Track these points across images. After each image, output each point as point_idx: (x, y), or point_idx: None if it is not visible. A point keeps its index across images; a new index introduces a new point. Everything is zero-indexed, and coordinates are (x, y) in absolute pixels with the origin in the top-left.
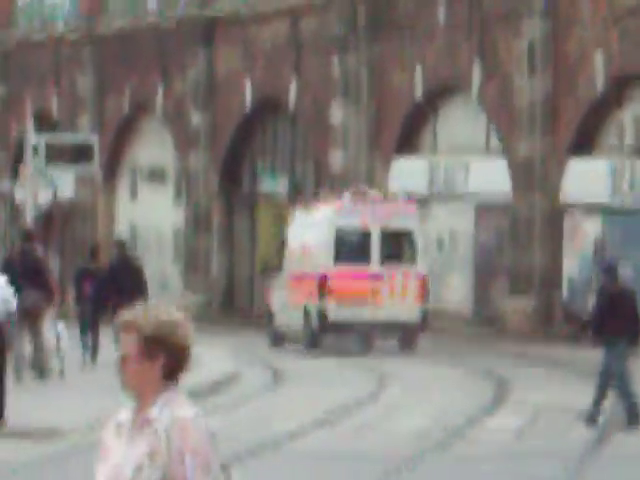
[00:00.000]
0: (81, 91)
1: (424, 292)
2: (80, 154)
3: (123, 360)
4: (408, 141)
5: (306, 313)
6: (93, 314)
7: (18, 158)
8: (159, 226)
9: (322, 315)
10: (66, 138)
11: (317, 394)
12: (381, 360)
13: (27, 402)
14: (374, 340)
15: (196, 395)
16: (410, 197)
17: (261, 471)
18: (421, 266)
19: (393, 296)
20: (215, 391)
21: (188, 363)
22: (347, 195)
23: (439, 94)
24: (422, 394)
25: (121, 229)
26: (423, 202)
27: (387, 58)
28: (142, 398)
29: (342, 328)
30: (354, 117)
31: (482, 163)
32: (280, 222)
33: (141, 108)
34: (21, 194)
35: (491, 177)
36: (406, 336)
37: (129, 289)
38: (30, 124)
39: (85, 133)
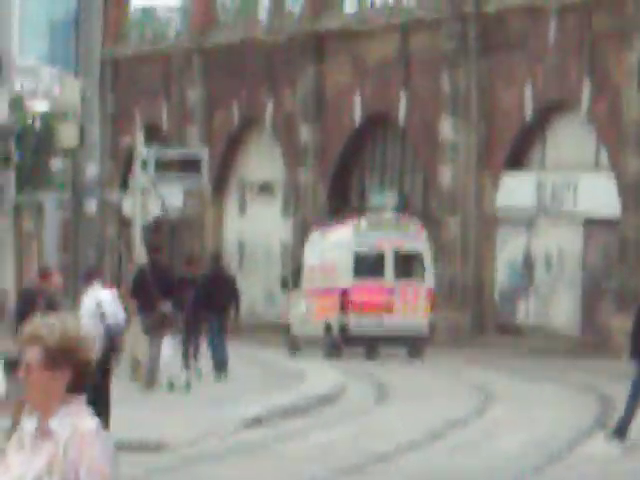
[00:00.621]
0: (190, 104)
1: (432, 306)
2: (189, 167)
3: (26, 370)
4: (517, 158)
5: (327, 325)
6: (192, 324)
7: (127, 170)
8: (267, 240)
9: (343, 327)
10: (175, 151)
11: (421, 410)
12: (486, 377)
13: (148, 414)
14: (380, 349)
15: (300, 410)
16: (419, 224)
17: None
18: (429, 282)
19: (405, 309)
20: (320, 406)
21: (91, 377)
22: (364, 220)
23: (548, 112)
24: (526, 412)
25: (229, 243)
26: (531, 219)
27: (497, 75)
28: (44, 409)
29: (360, 338)
30: (463, 133)
31: (591, 181)
32: None
33: (250, 122)
34: (130, 206)
35: (600, 195)
36: (415, 345)
37: (221, 302)
38: (140, 136)
39: (194, 146)
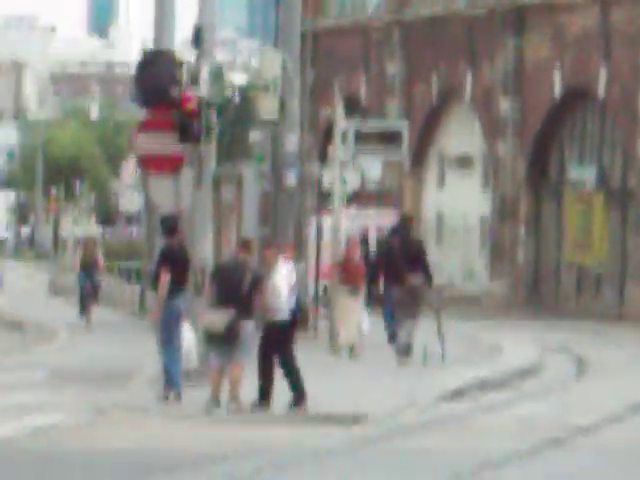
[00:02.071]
0: (389, 77)
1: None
2: (388, 140)
3: None
4: None
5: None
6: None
7: (326, 142)
8: (466, 214)
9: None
10: (375, 124)
11: (619, 386)
12: None
13: (348, 385)
14: None
15: (498, 383)
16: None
17: (559, 462)
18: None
19: None
20: (517, 379)
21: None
22: (353, 208)
23: None
24: None
25: (427, 216)
26: None
27: None
28: None
29: None
30: None
31: None
32: (588, 211)
33: (449, 95)
34: (329, 179)
35: None
36: None
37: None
38: (339, 109)
39: (393, 119)
